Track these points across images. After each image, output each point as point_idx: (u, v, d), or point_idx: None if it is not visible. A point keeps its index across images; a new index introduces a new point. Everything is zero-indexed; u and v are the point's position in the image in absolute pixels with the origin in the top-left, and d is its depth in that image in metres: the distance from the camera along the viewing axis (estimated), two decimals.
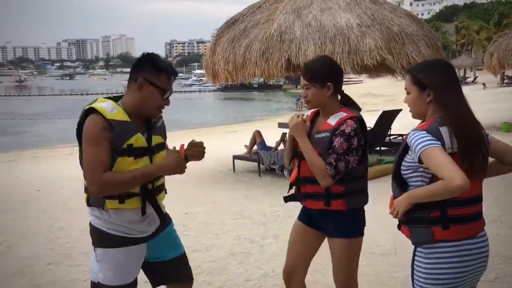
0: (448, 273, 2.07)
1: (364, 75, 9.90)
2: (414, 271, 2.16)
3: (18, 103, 46.60)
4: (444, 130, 2.04)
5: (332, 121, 2.46)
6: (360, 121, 2.47)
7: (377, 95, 37.21)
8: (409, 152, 2.10)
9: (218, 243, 5.11)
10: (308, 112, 2.71)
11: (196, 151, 2.53)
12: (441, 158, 1.94)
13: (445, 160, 1.93)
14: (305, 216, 2.74)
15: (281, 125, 10.28)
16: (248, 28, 8.15)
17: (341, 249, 2.58)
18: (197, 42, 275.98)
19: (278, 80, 53.28)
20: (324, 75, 2.48)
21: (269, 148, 8.58)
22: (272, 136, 9.96)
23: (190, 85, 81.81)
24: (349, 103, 2.59)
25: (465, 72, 45.97)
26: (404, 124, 10.93)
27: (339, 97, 2.59)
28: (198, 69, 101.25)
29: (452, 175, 1.89)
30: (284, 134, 9.28)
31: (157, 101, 2.38)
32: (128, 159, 2.28)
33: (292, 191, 2.74)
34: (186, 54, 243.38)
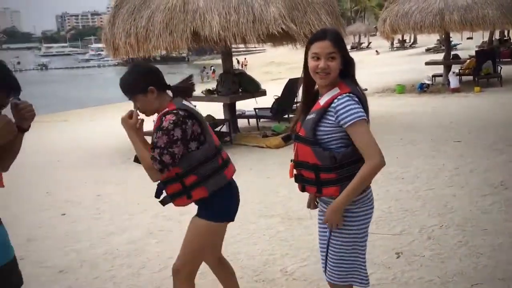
0: (372, 208, 2.35)
1: (266, 44, 9.98)
2: (345, 225, 2.27)
3: None
4: (359, 89, 2.26)
5: (155, 119, 2.49)
6: (185, 110, 2.42)
7: (281, 64, 37.92)
8: (328, 117, 2.19)
9: (134, 224, 4.97)
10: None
11: (25, 110, 2.23)
12: (368, 135, 2.14)
13: (370, 138, 2.14)
14: None
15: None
16: None
17: (190, 226, 2.59)
18: (92, 14, 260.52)
19: (181, 52, 52.31)
20: (140, 83, 2.45)
21: None
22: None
23: (88, 60, 77.77)
24: (181, 91, 2.57)
25: (359, 38, 48.19)
26: None
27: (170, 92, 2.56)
28: (95, 43, 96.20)
29: (376, 154, 2.13)
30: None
31: None
32: None
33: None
34: (80, 27, 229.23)
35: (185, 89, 2.59)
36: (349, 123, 2.12)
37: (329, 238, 2.34)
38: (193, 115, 2.43)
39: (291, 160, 2.40)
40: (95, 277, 3.83)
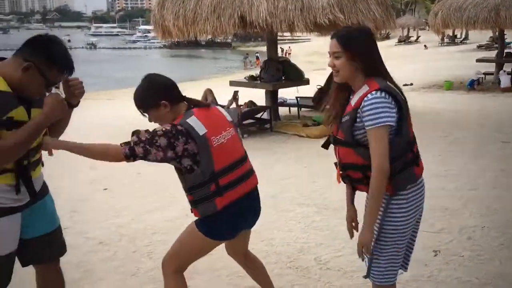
0: (421, 201, 2.33)
1: (313, 33, 9.88)
2: (391, 218, 2.24)
3: None
4: (393, 84, 2.23)
5: None
6: (185, 129, 2.30)
7: (325, 54, 37.31)
8: (361, 117, 2.17)
9: (172, 203, 5.07)
10: None
11: (75, 87, 2.33)
12: (381, 144, 2.11)
13: (383, 148, 2.11)
14: None
15: (232, 83, 10.18)
16: None
17: (187, 228, 2.55)
18: None
19: (226, 37, 52.48)
20: (153, 98, 2.39)
21: (221, 107, 8.49)
22: (223, 94, 9.87)
23: (135, 41, 79.24)
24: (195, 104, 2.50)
25: (408, 31, 46.80)
26: None
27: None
28: (142, 24, 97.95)
29: (381, 167, 2.11)
30: (236, 92, 9.21)
31: (40, 89, 2.20)
32: (6, 133, 2.10)
33: None
34: (129, 8, 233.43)
35: (199, 103, 2.50)
36: (369, 127, 2.12)
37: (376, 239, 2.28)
38: (190, 134, 2.29)
39: (335, 164, 2.38)
40: (133, 251, 3.95)
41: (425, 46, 36.89)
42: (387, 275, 2.34)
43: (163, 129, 2.29)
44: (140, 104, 2.43)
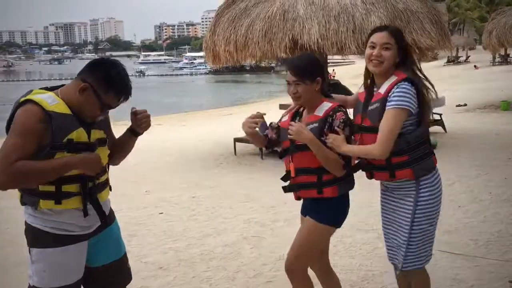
0: (440, 189, 2.55)
1: (362, 55, 9.74)
2: (422, 205, 2.46)
3: (6, 88, 45.90)
4: (418, 75, 2.58)
5: (319, 112, 2.55)
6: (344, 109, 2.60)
7: None
8: None
9: (229, 227, 5.02)
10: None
11: (142, 120, 2.38)
12: (391, 124, 2.40)
13: (392, 129, 2.40)
14: (303, 209, 2.78)
15: (282, 106, 10.14)
16: (249, 7, 7.95)
17: (308, 228, 2.63)
18: (187, 25, 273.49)
19: (270, 62, 52.91)
20: (315, 71, 2.54)
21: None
22: (272, 118, 9.82)
23: (181, 68, 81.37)
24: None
25: (457, 51, 45.60)
26: None
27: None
28: (189, 52, 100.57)
29: (382, 147, 2.40)
30: None
31: (95, 112, 2.19)
32: (67, 155, 2.10)
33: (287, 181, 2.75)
34: (176, 37, 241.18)
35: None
36: (389, 107, 2.34)
37: (411, 226, 2.49)
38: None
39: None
40: (192, 276, 3.89)
41: (475, 66, 35.85)
42: (421, 256, 2.52)
43: (341, 119, 2.48)
44: (300, 72, 2.51)
